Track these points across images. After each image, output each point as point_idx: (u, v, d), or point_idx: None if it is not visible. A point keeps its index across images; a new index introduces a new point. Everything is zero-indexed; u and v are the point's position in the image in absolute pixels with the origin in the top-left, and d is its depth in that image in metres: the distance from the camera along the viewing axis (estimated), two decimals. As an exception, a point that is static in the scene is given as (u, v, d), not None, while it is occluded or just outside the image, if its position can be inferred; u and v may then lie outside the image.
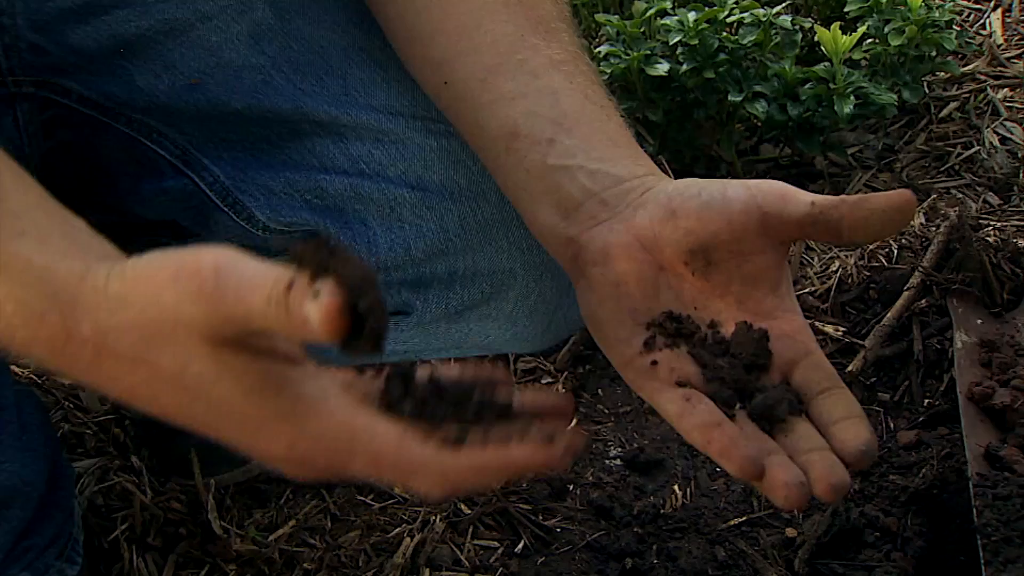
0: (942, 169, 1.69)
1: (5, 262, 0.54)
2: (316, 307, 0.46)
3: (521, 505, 1.25)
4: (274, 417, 0.53)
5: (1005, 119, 1.76)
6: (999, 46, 1.92)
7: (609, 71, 1.58)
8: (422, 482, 0.53)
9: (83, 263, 0.54)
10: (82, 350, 0.53)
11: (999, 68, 1.87)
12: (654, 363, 0.65)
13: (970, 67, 1.87)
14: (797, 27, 1.62)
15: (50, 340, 0.54)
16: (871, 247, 1.48)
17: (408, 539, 1.21)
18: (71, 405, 1.35)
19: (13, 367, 1.27)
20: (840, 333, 1.39)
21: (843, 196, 0.63)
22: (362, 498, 1.27)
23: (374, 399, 0.56)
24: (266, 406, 0.53)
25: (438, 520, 1.23)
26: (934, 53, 1.67)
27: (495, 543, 1.22)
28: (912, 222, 1.52)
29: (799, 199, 0.63)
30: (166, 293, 0.51)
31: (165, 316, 0.51)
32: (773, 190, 0.64)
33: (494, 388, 0.57)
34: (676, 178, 1.66)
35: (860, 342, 1.38)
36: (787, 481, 0.58)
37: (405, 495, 1.27)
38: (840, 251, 1.53)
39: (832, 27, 1.53)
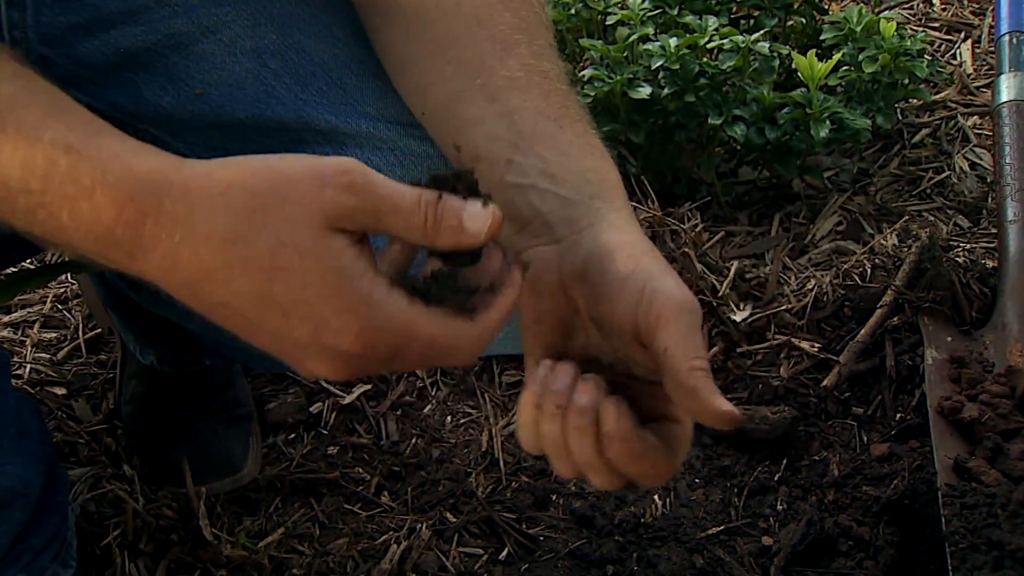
0: (914, 192, 1.74)
1: (91, 154, 0.57)
2: (485, 214, 0.59)
3: (505, 514, 1.28)
4: (352, 300, 0.57)
5: (975, 145, 1.82)
6: (969, 75, 1.98)
7: (593, 94, 1.62)
8: (464, 353, 0.61)
9: (171, 157, 0.59)
10: (169, 231, 0.57)
11: (969, 96, 1.93)
12: None
13: (941, 95, 1.92)
14: (775, 54, 1.67)
15: (135, 221, 0.57)
16: (846, 267, 1.52)
17: (395, 546, 1.23)
18: (64, 415, 1.37)
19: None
20: (815, 349, 1.43)
21: (682, 369, 0.63)
22: (349, 506, 1.30)
23: None
24: (348, 287, 0.57)
25: (424, 528, 1.25)
26: (906, 81, 1.72)
27: (480, 550, 1.25)
28: (885, 243, 1.57)
29: (664, 333, 0.64)
30: (302, 184, 0.57)
31: (291, 197, 0.57)
32: (670, 308, 0.65)
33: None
34: (658, 199, 1.69)
35: (835, 358, 1.42)
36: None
37: (392, 504, 1.30)
38: (816, 270, 1.57)
39: (808, 54, 1.58)
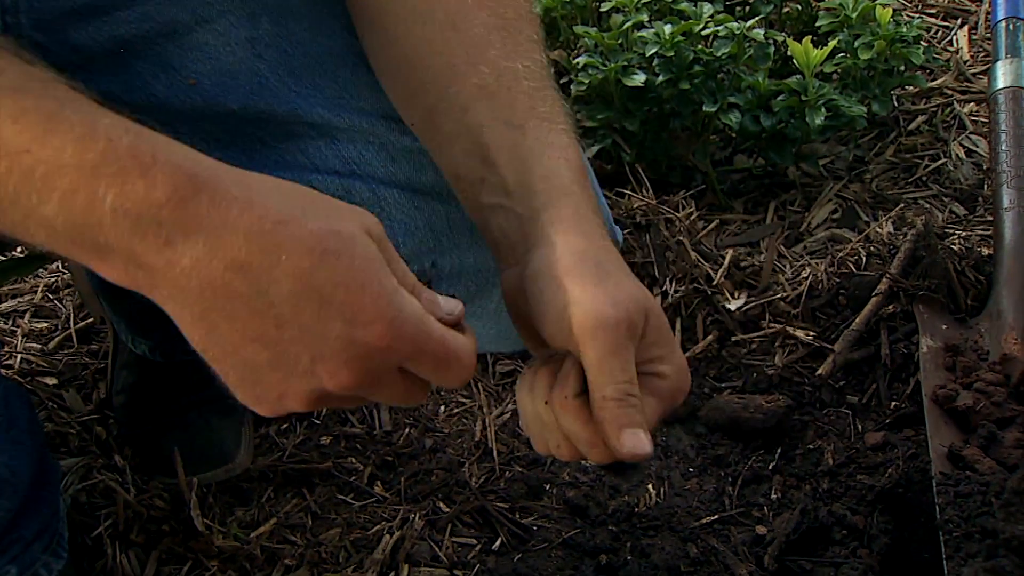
0: (910, 180, 1.73)
1: (150, 136, 0.58)
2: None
3: (499, 503, 1.27)
4: (387, 290, 0.60)
5: (971, 132, 1.81)
6: (965, 62, 1.97)
7: (587, 81, 1.61)
8: (464, 363, 0.64)
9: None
10: (223, 209, 0.57)
11: (965, 83, 1.92)
12: None
13: (937, 82, 1.92)
14: (770, 40, 1.66)
15: (189, 197, 0.57)
16: (841, 255, 1.52)
17: (388, 536, 1.23)
18: (55, 405, 1.37)
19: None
20: (810, 337, 1.43)
21: (595, 398, 0.67)
22: (342, 497, 1.29)
23: None
24: (383, 278, 0.60)
25: (417, 518, 1.25)
26: (902, 67, 1.72)
27: (473, 540, 1.24)
28: (881, 230, 1.56)
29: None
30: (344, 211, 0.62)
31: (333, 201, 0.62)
32: (585, 332, 0.67)
33: None
34: (652, 187, 1.68)
35: (829, 346, 1.41)
36: None
37: (385, 494, 1.29)
38: (811, 258, 1.57)
39: (804, 41, 1.57)
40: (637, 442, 0.65)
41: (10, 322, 1.53)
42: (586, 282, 0.67)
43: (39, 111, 0.57)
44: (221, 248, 0.57)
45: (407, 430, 1.38)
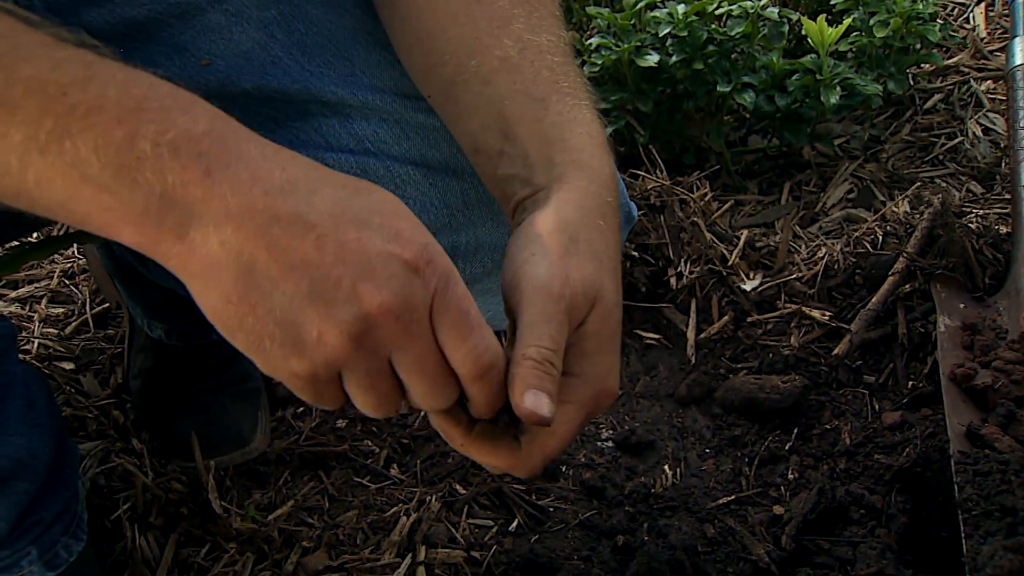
0: (927, 159, 1.72)
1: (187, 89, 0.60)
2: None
3: (515, 485, 1.27)
4: (419, 222, 0.62)
5: (988, 110, 1.79)
6: (982, 39, 1.95)
7: (600, 62, 1.60)
8: (482, 336, 0.64)
9: None
10: (260, 146, 0.60)
11: (982, 61, 1.90)
12: None
13: (954, 60, 1.90)
14: (784, 19, 1.64)
15: (226, 134, 0.59)
16: (857, 234, 1.51)
17: (405, 518, 1.23)
18: (72, 389, 1.37)
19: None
20: (827, 317, 1.42)
21: (516, 355, 0.65)
22: (359, 479, 1.29)
23: None
24: (414, 216, 0.62)
25: (434, 500, 1.25)
26: (918, 45, 1.70)
27: (490, 522, 1.24)
28: (897, 209, 1.55)
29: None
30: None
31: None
32: (529, 293, 0.66)
33: None
34: (666, 168, 1.67)
35: (846, 326, 1.40)
36: None
37: (401, 476, 1.30)
38: (826, 238, 1.56)
39: (818, 19, 1.55)
40: (538, 403, 0.63)
41: (27, 307, 1.53)
42: (551, 252, 0.67)
43: (78, 60, 0.57)
44: (261, 175, 0.58)
45: (423, 412, 1.38)
